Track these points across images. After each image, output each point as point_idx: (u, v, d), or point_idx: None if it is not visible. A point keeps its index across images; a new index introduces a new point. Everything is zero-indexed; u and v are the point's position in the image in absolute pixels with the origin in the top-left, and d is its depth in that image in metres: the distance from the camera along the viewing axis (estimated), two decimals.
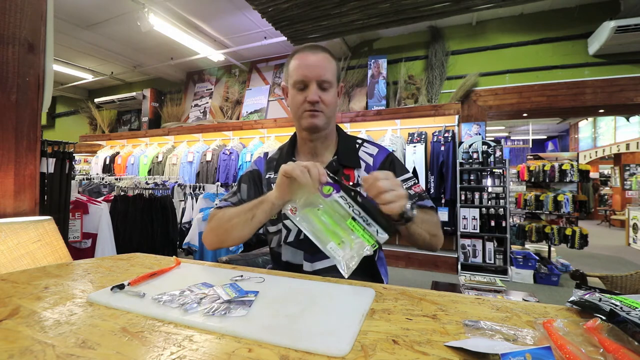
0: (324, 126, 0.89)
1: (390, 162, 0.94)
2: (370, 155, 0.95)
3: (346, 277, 0.63)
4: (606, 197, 9.72)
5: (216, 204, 3.05)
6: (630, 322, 0.40)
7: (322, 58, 0.86)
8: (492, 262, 3.57)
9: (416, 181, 0.92)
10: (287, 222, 0.89)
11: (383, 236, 0.64)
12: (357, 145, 0.98)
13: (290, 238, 0.89)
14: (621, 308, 0.44)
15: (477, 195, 3.64)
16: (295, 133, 0.99)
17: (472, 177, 3.65)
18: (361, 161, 0.93)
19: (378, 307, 0.55)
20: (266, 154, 1.03)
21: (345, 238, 0.66)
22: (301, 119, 0.88)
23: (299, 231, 0.87)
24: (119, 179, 3.41)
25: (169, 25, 3.97)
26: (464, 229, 3.63)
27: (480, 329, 0.45)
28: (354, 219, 0.66)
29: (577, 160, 3.93)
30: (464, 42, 4.16)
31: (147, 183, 3.14)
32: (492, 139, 3.77)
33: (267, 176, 0.97)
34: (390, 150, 0.98)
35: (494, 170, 3.60)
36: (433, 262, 3.91)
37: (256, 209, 0.77)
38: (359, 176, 0.91)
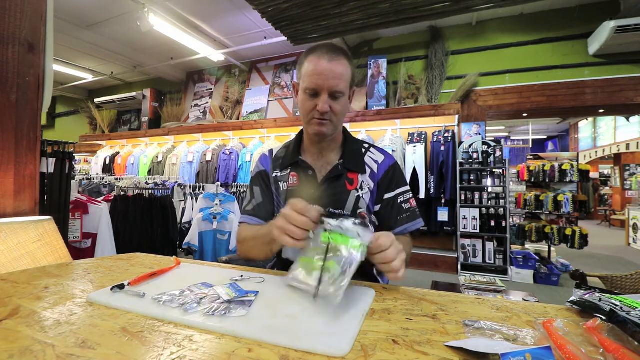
0: (331, 134, 0.90)
1: (393, 172, 0.94)
2: (376, 162, 0.95)
3: (337, 303, 0.51)
4: (606, 197, 9.71)
5: (215, 203, 2.98)
6: (630, 322, 0.40)
7: (338, 66, 0.82)
8: (492, 262, 3.57)
9: (411, 195, 0.93)
10: None
11: (366, 236, 0.56)
12: (364, 150, 0.98)
13: None
14: (621, 308, 0.44)
15: (477, 195, 3.64)
16: (302, 130, 1.00)
17: (472, 177, 3.65)
18: (366, 167, 0.94)
19: (378, 307, 0.55)
20: (271, 151, 1.03)
21: (327, 259, 0.56)
22: (309, 125, 0.88)
23: None
24: (119, 179, 3.41)
25: (169, 25, 3.96)
26: (464, 229, 3.63)
27: (480, 329, 0.45)
28: (329, 230, 0.58)
29: (577, 160, 3.93)
30: (464, 42, 4.16)
31: (147, 183, 3.13)
32: (492, 139, 3.77)
33: (274, 174, 0.97)
34: (395, 160, 0.98)
35: (494, 170, 3.60)
36: (433, 262, 3.91)
37: (273, 244, 0.77)
38: (362, 181, 0.91)
